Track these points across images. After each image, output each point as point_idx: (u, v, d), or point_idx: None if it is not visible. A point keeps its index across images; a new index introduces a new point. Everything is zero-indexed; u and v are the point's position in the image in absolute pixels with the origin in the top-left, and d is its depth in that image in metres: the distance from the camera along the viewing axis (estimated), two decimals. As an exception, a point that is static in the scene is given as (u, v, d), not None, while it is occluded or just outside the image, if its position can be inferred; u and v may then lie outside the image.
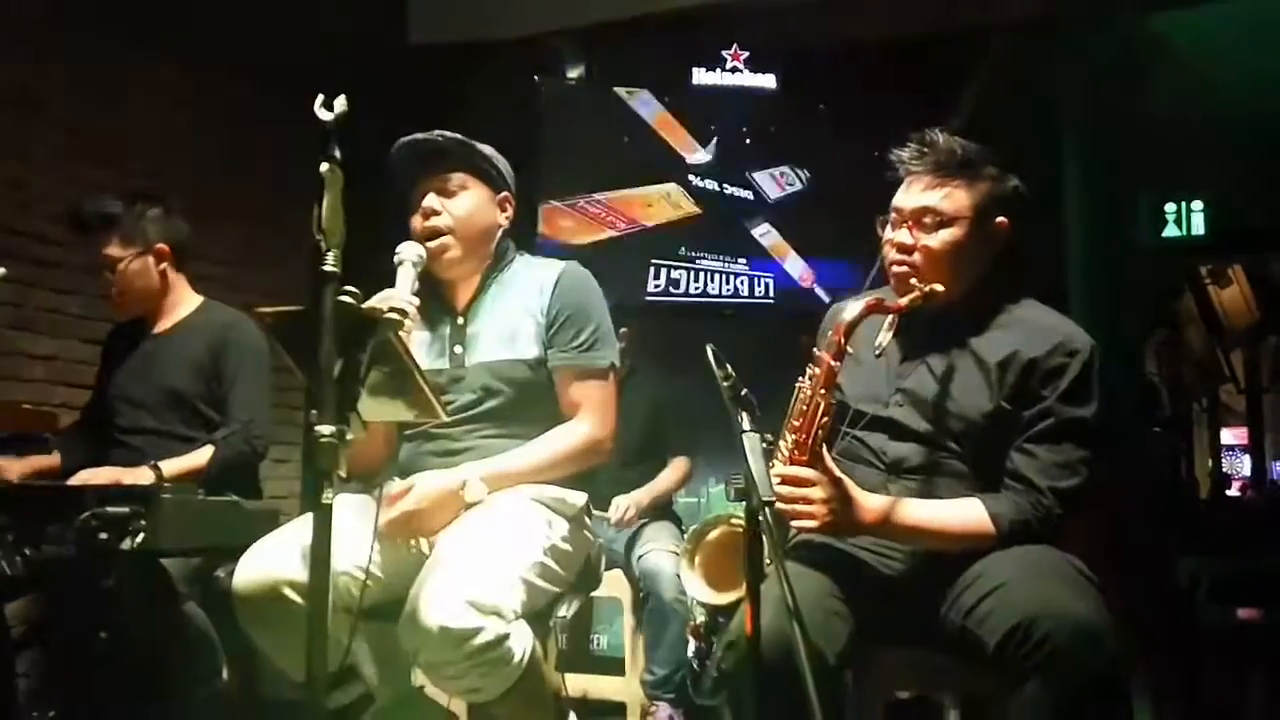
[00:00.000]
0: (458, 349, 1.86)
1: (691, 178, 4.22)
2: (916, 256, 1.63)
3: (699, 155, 4.23)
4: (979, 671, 1.48)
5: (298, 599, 1.56)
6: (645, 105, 4.22)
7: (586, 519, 1.87)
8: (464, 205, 1.86)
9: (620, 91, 4.21)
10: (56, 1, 3.04)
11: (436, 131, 1.86)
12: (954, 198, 1.63)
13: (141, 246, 2.37)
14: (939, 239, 1.63)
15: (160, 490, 1.92)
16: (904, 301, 1.61)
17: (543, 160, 4.12)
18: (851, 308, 1.57)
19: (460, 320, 1.89)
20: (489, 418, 1.82)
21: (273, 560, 1.61)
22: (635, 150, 4.20)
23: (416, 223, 1.86)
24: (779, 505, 1.44)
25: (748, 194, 4.24)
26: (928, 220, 1.63)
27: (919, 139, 1.68)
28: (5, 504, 1.97)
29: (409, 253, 1.74)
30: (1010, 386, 1.59)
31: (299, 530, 1.64)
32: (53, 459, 2.38)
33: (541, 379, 1.84)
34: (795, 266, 4.25)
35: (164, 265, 2.41)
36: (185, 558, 2.09)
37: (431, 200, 1.85)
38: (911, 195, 1.66)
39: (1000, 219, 1.66)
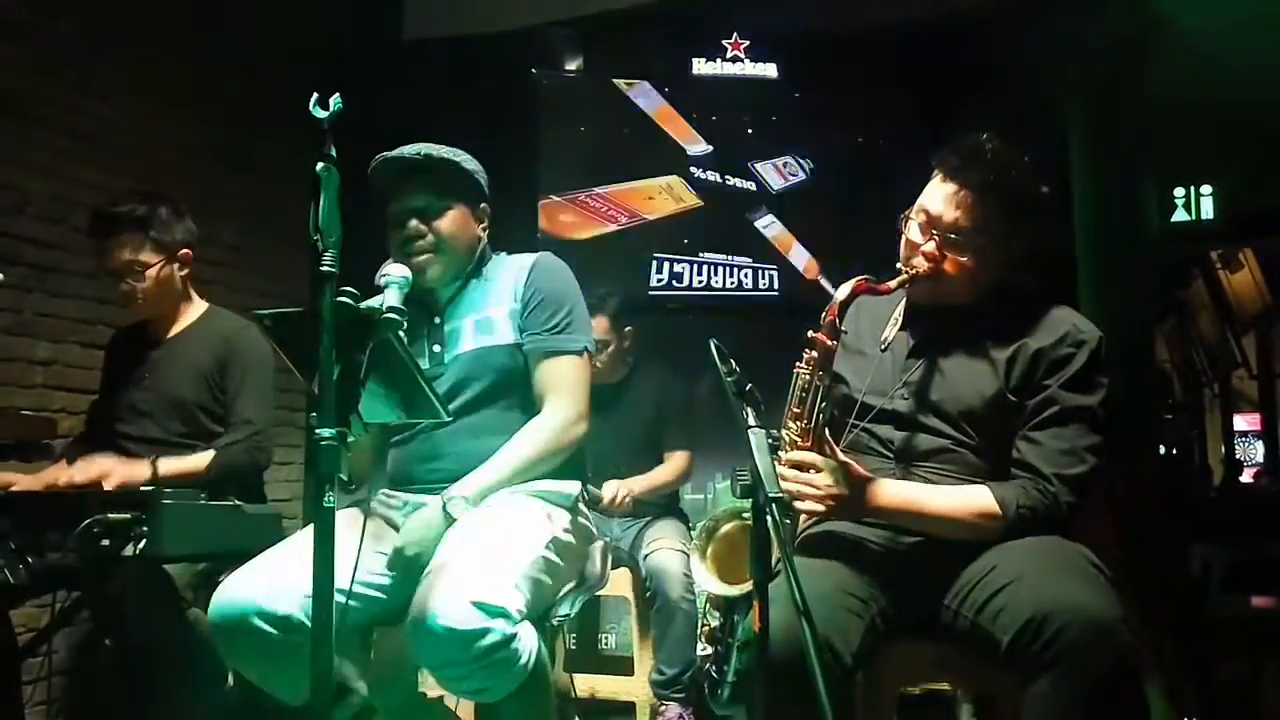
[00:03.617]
0: (436, 347, 1.88)
1: (693, 169, 4.18)
2: (940, 265, 1.60)
3: (699, 147, 4.19)
4: (992, 667, 1.47)
5: (267, 628, 1.58)
6: (644, 96, 4.18)
7: (583, 506, 1.89)
8: (448, 225, 1.88)
9: (619, 83, 4.17)
10: (50, 1, 3.01)
11: (421, 148, 1.86)
12: (992, 215, 1.58)
13: (170, 252, 2.31)
14: (969, 257, 1.60)
15: (162, 496, 1.91)
16: (893, 284, 1.61)
17: (541, 154, 4.09)
18: (842, 288, 1.57)
19: (438, 320, 1.90)
20: (469, 411, 1.82)
21: (242, 590, 1.62)
22: (635, 143, 4.15)
23: (397, 238, 1.86)
24: (785, 487, 1.44)
25: (750, 185, 4.20)
26: (959, 238, 1.59)
27: (969, 145, 1.61)
28: (7, 511, 1.97)
29: (395, 273, 1.67)
30: (1017, 377, 1.59)
31: (272, 558, 1.67)
32: (63, 470, 2.27)
33: (519, 365, 1.86)
34: (800, 259, 4.21)
35: (186, 270, 2.37)
36: (189, 563, 2.08)
37: (415, 224, 1.85)
38: (949, 207, 1.59)
39: (1027, 227, 1.62)
